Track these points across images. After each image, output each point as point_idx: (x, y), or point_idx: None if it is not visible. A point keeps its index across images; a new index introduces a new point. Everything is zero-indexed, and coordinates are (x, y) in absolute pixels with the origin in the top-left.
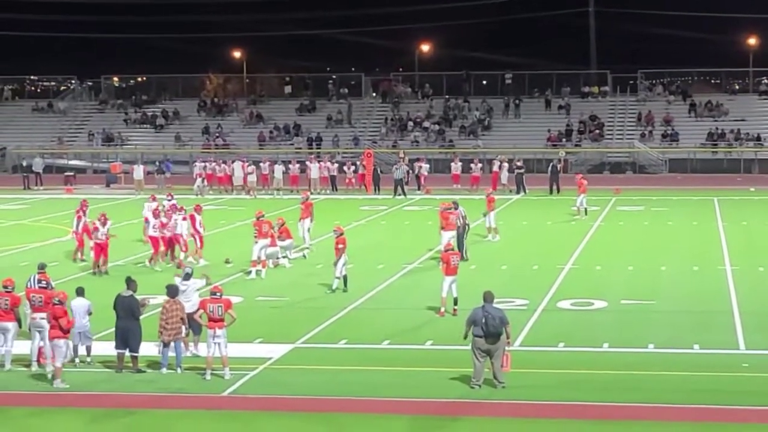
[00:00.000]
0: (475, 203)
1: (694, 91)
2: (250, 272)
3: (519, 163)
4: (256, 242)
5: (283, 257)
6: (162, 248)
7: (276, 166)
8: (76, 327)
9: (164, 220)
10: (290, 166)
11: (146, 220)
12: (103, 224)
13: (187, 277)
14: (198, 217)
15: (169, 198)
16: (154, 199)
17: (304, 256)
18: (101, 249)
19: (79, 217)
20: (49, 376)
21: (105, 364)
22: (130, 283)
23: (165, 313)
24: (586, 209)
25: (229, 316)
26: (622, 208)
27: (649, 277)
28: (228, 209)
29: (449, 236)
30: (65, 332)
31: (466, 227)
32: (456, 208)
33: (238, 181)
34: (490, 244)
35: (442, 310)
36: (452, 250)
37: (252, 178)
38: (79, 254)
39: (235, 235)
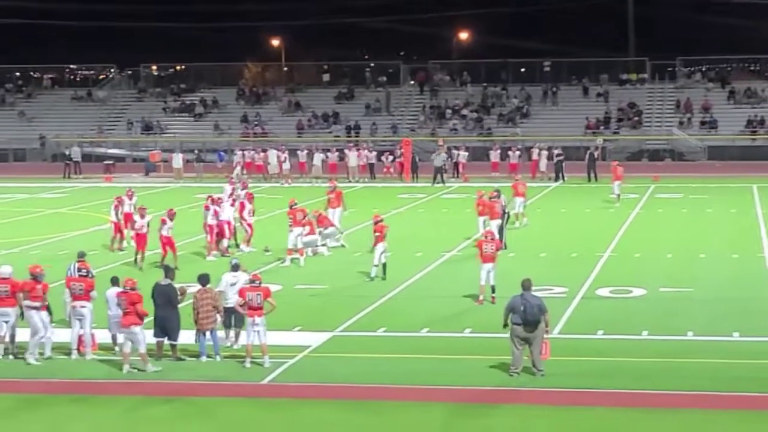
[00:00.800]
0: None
1: (733, 78)
2: (284, 260)
3: (558, 151)
4: (291, 230)
5: (323, 245)
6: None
7: (315, 155)
8: (112, 316)
9: (218, 209)
10: (329, 154)
11: (206, 208)
12: (142, 216)
13: (236, 268)
14: (249, 206)
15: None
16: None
17: (343, 245)
18: (141, 240)
19: (116, 206)
20: (124, 369)
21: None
22: (168, 271)
23: (196, 302)
24: (619, 195)
25: (269, 304)
26: (661, 195)
27: (688, 265)
28: (265, 197)
29: (496, 224)
30: (141, 318)
31: (506, 216)
32: (499, 197)
33: (273, 170)
34: (529, 231)
35: (481, 298)
36: (490, 237)
37: (286, 166)
38: (117, 244)
39: (273, 224)
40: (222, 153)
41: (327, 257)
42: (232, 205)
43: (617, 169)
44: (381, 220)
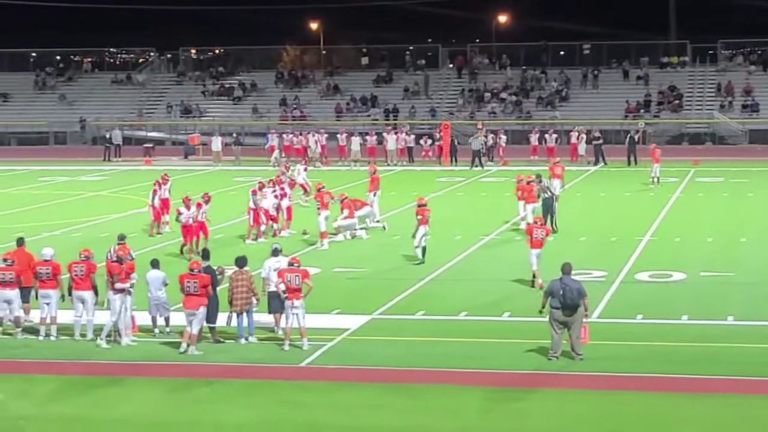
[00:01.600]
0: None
1: None
2: (320, 243)
3: (597, 134)
4: (320, 213)
5: (362, 228)
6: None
7: (353, 138)
8: (152, 299)
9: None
10: (367, 137)
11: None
12: (188, 207)
13: (276, 253)
14: (288, 191)
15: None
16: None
17: (384, 227)
18: (188, 231)
19: (155, 191)
20: (186, 349)
21: (180, 334)
22: (205, 254)
23: (232, 283)
24: (658, 178)
25: (306, 285)
26: (701, 179)
27: (728, 249)
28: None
29: (531, 208)
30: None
31: (554, 198)
32: (540, 181)
33: (312, 153)
34: (568, 215)
35: (540, 281)
36: (540, 223)
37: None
38: (156, 228)
39: (312, 207)
40: (268, 135)
41: (365, 240)
42: (273, 192)
43: (655, 152)
44: (425, 204)
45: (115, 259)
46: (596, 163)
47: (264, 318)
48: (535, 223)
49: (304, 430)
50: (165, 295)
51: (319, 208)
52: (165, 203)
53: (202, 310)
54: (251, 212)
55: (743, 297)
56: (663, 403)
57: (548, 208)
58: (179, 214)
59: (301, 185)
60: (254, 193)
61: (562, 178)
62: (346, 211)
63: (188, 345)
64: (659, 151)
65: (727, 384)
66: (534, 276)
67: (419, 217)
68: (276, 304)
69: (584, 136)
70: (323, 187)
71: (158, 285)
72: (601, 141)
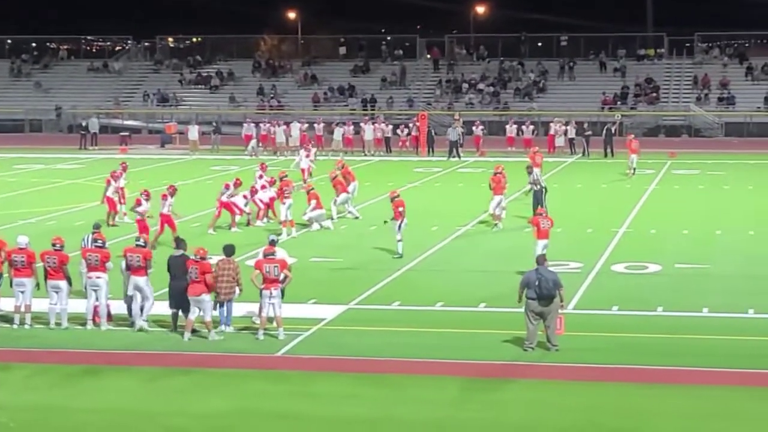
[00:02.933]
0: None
1: (751, 54)
2: (285, 233)
3: (585, 126)
4: (283, 203)
5: (329, 219)
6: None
7: (336, 129)
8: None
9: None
10: (345, 127)
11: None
12: (147, 200)
13: (273, 244)
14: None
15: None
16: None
17: (356, 217)
18: (142, 227)
19: (108, 182)
20: (185, 337)
21: (159, 324)
22: (180, 242)
23: (217, 271)
24: (634, 169)
25: (284, 275)
26: (678, 171)
27: (704, 241)
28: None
29: (499, 200)
30: (209, 288)
31: (544, 190)
32: (530, 173)
33: (293, 142)
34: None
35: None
36: (545, 214)
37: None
38: (111, 219)
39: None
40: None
41: (343, 230)
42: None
43: (632, 143)
44: (398, 196)
45: (99, 244)
46: (584, 154)
47: (294, 311)
48: (541, 214)
49: (279, 420)
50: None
51: (281, 198)
52: (122, 193)
53: (205, 297)
54: (219, 204)
55: (718, 289)
56: (638, 394)
57: (538, 201)
58: (138, 205)
59: (302, 170)
60: (227, 187)
61: (540, 167)
62: (313, 202)
63: (208, 331)
64: (636, 142)
65: (702, 376)
66: None
67: (401, 209)
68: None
69: (563, 128)
70: (286, 176)
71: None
72: (590, 133)
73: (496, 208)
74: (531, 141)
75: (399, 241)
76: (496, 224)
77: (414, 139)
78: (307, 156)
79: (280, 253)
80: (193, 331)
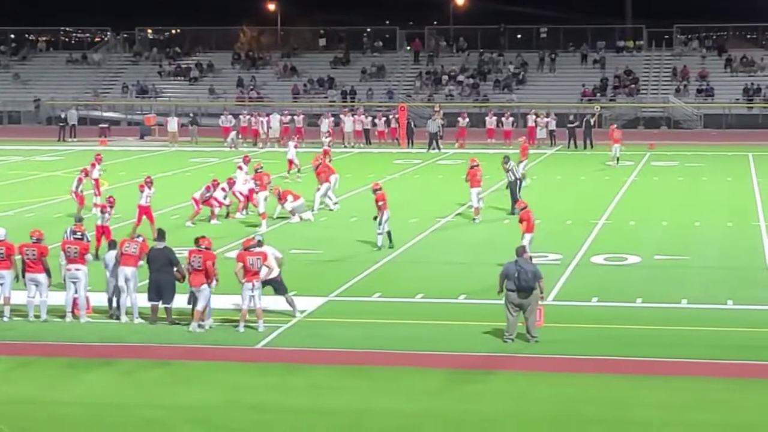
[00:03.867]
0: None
1: (730, 46)
2: (261, 225)
3: (571, 118)
4: (258, 194)
5: (309, 210)
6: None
7: (324, 120)
8: (110, 279)
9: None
10: (332, 119)
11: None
12: (112, 206)
13: (259, 244)
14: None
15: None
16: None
17: (331, 209)
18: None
19: (80, 180)
20: (191, 328)
21: (140, 316)
22: (161, 234)
23: (188, 264)
24: (618, 158)
25: (266, 267)
26: (657, 163)
27: (682, 233)
28: (261, 161)
29: (476, 192)
30: (210, 277)
31: (519, 181)
32: (507, 162)
33: (273, 134)
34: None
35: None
36: (527, 207)
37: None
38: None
39: (305, 181)
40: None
41: (323, 222)
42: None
43: (614, 133)
44: (380, 188)
45: (78, 236)
46: (569, 145)
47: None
48: (525, 207)
49: (259, 412)
50: None
51: (257, 190)
52: (97, 184)
53: (204, 287)
54: (194, 201)
55: (697, 280)
56: (618, 386)
57: (512, 192)
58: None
59: (289, 161)
60: (208, 189)
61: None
62: (289, 197)
63: (193, 321)
64: (619, 132)
65: (681, 367)
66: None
67: (381, 202)
68: (280, 286)
69: (545, 119)
70: (261, 168)
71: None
72: (576, 123)
73: (478, 201)
74: (510, 133)
75: (379, 234)
76: (474, 218)
77: (392, 131)
78: (296, 147)
79: (269, 250)
80: (172, 323)
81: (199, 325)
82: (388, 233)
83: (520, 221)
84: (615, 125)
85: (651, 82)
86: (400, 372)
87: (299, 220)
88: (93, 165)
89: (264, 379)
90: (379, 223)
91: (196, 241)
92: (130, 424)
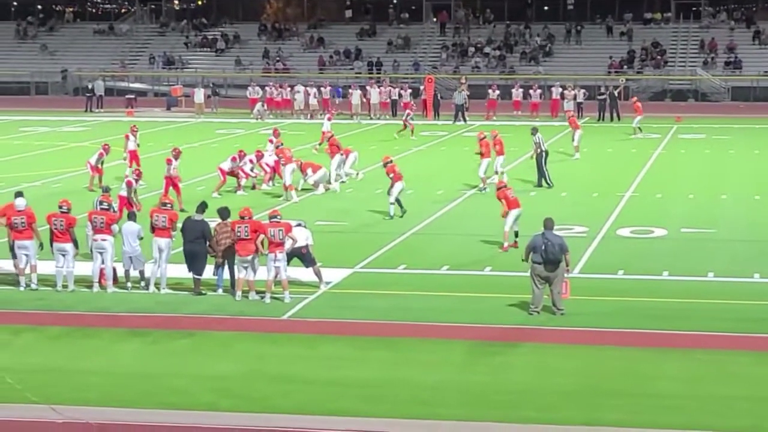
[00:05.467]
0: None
1: (759, 18)
2: (287, 196)
3: (602, 90)
4: (284, 166)
5: (327, 182)
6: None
7: (354, 92)
8: (127, 251)
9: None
10: (350, 90)
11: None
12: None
13: (300, 225)
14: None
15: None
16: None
17: (343, 181)
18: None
19: (101, 154)
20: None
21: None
22: (202, 207)
23: (216, 235)
24: (640, 128)
25: (290, 239)
26: (684, 136)
27: (709, 206)
28: (288, 133)
29: (486, 163)
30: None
31: (544, 154)
32: (534, 133)
33: (298, 105)
34: (550, 171)
35: (506, 245)
36: (505, 186)
37: (312, 102)
38: (90, 184)
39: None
40: (340, 89)
41: (348, 194)
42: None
43: (637, 105)
44: (390, 161)
45: (105, 207)
46: (600, 119)
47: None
48: (502, 187)
49: (284, 383)
50: (140, 248)
51: (283, 162)
52: (133, 156)
53: (254, 256)
54: (221, 171)
55: (724, 253)
56: (643, 358)
57: (539, 164)
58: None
59: (323, 133)
60: (234, 160)
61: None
62: (309, 170)
63: (260, 293)
64: (640, 103)
65: (708, 340)
66: (505, 238)
67: (391, 174)
68: (308, 258)
69: (573, 92)
70: (282, 144)
71: (133, 237)
72: (604, 97)
73: (485, 170)
74: (538, 105)
75: (391, 204)
76: (483, 188)
77: (406, 104)
78: (329, 119)
79: (304, 232)
80: (198, 294)
81: (259, 295)
82: (398, 200)
83: (499, 199)
84: (636, 98)
85: (678, 55)
86: (425, 344)
87: (323, 192)
88: (127, 137)
89: (289, 350)
90: (388, 193)
91: (233, 213)
92: (155, 394)
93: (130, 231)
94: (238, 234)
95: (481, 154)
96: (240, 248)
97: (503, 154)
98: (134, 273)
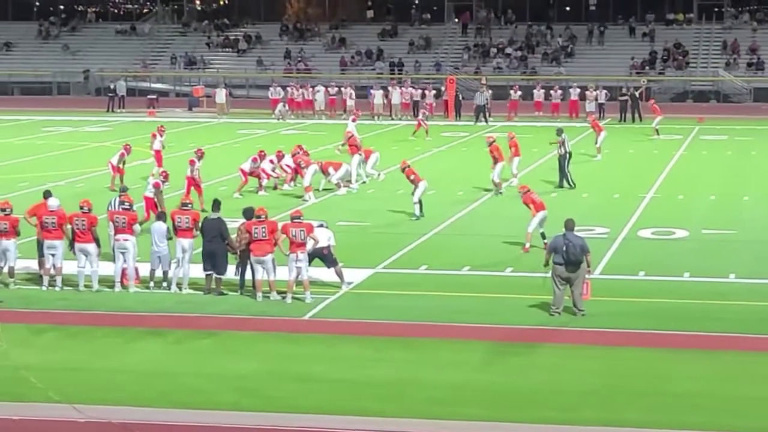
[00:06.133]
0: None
1: None
2: (302, 197)
3: (624, 91)
4: (305, 168)
5: (347, 181)
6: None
7: (375, 92)
8: (155, 251)
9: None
10: (371, 91)
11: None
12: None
13: (322, 227)
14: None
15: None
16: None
17: (364, 181)
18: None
19: (122, 155)
20: (259, 295)
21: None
22: (216, 205)
23: (239, 234)
24: (657, 130)
25: (312, 239)
26: (706, 137)
27: (731, 207)
28: (309, 134)
29: (500, 167)
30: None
31: (568, 155)
32: (559, 135)
33: (319, 106)
34: (572, 172)
35: (527, 246)
36: (529, 190)
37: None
38: (112, 183)
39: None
40: (370, 90)
41: (370, 194)
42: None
43: (655, 107)
44: (407, 166)
45: (126, 207)
46: (621, 119)
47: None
48: (526, 191)
49: (305, 383)
50: (167, 248)
51: (303, 165)
52: (158, 156)
53: (269, 258)
54: (242, 172)
55: (745, 255)
56: (663, 360)
57: (561, 166)
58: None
59: (347, 133)
60: (255, 160)
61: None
62: (330, 169)
63: (281, 293)
64: (658, 106)
65: (728, 341)
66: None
67: (412, 176)
68: (329, 259)
69: (595, 93)
70: (298, 152)
71: (161, 237)
72: (625, 98)
73: (499, 174)
74: (559, 106)
75: (415, 203)
76: (499, 191)
77: (444, 102)
78: (354, 121)
79: (326, 233)
80: (219, 294)
81: (281, 295)
82: (419, 202)
83: (525, 204)
84: (654, 100)
85: (701, 56)
86: (446, 344)
87: (345, 192)
88: (154, 135)
89: (310, 350)
90: (413, 194)
91: (254, 214)
92: (177, 393)
93: (159, 230)
94: (256, 235)
95: (495, 160)
96: (256, 248)
97: (519, 155)
98: (158, 273)
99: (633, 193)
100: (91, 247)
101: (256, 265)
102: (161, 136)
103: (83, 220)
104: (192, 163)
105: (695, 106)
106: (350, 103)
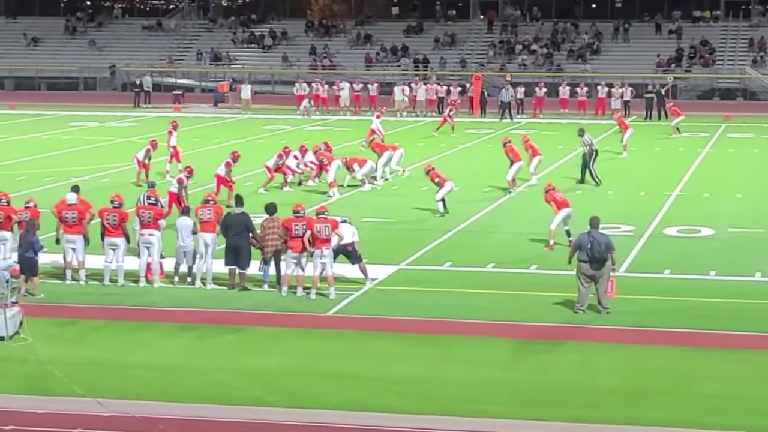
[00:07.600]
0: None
1: None
2: (327, 192)
3: (649, 88)
4: (329, 163)
5: (372, 177)
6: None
7: (396, 88)
8: (181, 245)
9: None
10: (395, 88)
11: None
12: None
13: (345, 222)
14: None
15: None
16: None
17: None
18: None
19: (148, 150)
20: (283, 292)
21: (215, 282)
22: (239, 200)
23: (263, 230)
24: (678, 128)
25: (336, 235)
26: (732, 135)
27: (757, 205)
28: (334, 130)
29: (518, 166)
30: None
31: (594, 153)
32: (582, 135)
33: (344, 102)
34: (597, 170)
35: (551, 243)
36: (553, 189)
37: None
38: (136, 178)
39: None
40: (406, 88)
41: (394, 191)
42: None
43: (674, 110)
44: (431, 168)
45: (152, 202)
46: (647, 117)
47: (345, 271)
48: (551, 189)
49: (329, 379)
50: (193, 243)
51: (327, 162)
52: (175, 151)
53: (305, 254)
54: (267, 168)
55: None
56: (688, 358)
57: (585, 163)
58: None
59: (372, 130)
60: (280, 157)
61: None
62: (355, 165)
63: (306, 289)
64: (678, 108)
65: (755, 340)
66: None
67: (437, 179)
68: (354, 255)
69: (620, 90)
70: (319, 149)
71: (187, 232)
72: (651, 95)
73: (514, 174)
74: (585, 103)
75: (438, 201)
76: (510, 191)
77: (469, 99)
78: (378, 117)
79: (349, 229)
80: (243, 290)
81: (305, 291)
82: (443, 200)
83: (547, 202)
84: (672, 103)
85: (727, 53)
86: (470, 341)
87: (370, 189)
88: (170, 132)
89: (334, 346)
90: (438, 193)
91: (292, 210)
92: (201, 388)
93: (185, 225)
94: (296, 232)
95: (511, 161)
96: (294, 245)
97: (539, 155)
98: (183, 268)
99: (658, 190)
100: (121, 241)
101: (289, 261)
102: (176, 131)
103: (114, 215)
104: (228, 165)
105: (722, 104)
106: (401, 97)
